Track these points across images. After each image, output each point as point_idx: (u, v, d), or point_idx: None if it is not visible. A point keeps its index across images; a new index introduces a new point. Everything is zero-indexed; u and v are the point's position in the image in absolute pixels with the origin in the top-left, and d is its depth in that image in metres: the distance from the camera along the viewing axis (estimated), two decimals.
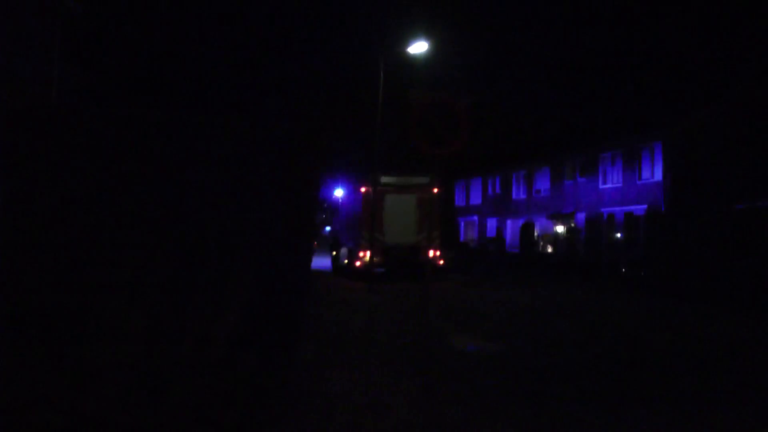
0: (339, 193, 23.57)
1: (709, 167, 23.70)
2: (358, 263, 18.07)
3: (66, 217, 5.09)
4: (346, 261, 19.25)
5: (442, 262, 18.87)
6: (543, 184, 35.98)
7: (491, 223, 42.33)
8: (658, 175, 25.71)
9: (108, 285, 5.13)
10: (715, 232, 19.41)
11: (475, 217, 44.88)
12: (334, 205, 21.88)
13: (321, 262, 23.11)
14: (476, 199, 45.00)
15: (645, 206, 26.04)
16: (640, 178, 27.06)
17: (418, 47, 18.12)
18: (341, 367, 6.85)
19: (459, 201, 47.62)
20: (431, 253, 16.37)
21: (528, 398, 5.90)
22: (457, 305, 13.19)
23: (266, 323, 6.67)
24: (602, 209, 29.44)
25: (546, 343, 8.91)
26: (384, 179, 17.84)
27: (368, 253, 17.46)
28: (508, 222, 39.71)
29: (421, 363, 7.24)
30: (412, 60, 18.58)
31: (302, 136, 7.32)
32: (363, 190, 18.21)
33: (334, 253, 21.12)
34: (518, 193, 38.89)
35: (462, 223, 47.13)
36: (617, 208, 28.35)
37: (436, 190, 16.68)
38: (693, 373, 7.21)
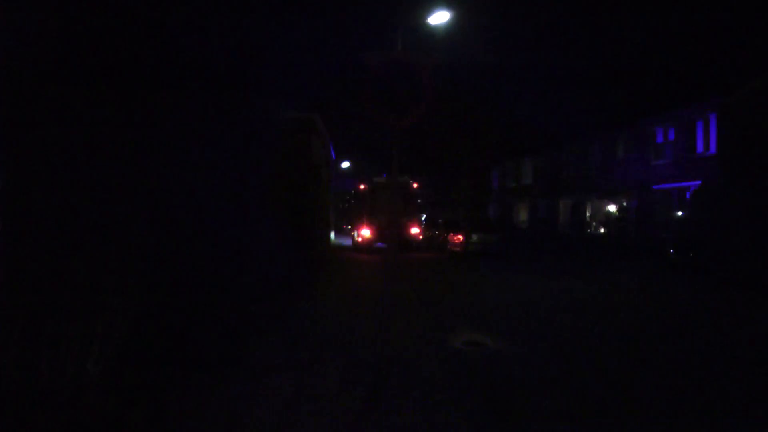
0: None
1: None
2: (360, 240, 24.84)
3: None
4: (357, 239, 25.63)
5: (421, 237, 26.16)
6: (594, 162, 34.20)
7: (543, 205, 40.82)
8: (713, 149, 23.78)
9: None
10: None
11: (527, 199, 43.41)
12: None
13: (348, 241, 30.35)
14: (527, 179, 43.50)
15: (699, 182, 24.14)
16: (693, 152, 25.14)
17: (439, 17, 17.09)
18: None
19: (510, 182, 46.21)
20: (411, 231, 24.91)
21: (497, 416, 5.02)
22: (479, 296, 12.34)
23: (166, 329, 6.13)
24: (654, 186, 27.60)
25: (557, 341, 7.88)
26: (376, 179, 25.20)
27: (367, 232, 24.49)
28: (560, 202, 38.12)
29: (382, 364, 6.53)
30: (433, 32, 17.60)
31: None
32: (362, 187, 25.95)
33: (353, 233, 27.50)
34: (569, 172, 37.19)
35: (513, 205, 45.77)
36: (670, 185, 26.50)
37: (415, 186, 26.00)
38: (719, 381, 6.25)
